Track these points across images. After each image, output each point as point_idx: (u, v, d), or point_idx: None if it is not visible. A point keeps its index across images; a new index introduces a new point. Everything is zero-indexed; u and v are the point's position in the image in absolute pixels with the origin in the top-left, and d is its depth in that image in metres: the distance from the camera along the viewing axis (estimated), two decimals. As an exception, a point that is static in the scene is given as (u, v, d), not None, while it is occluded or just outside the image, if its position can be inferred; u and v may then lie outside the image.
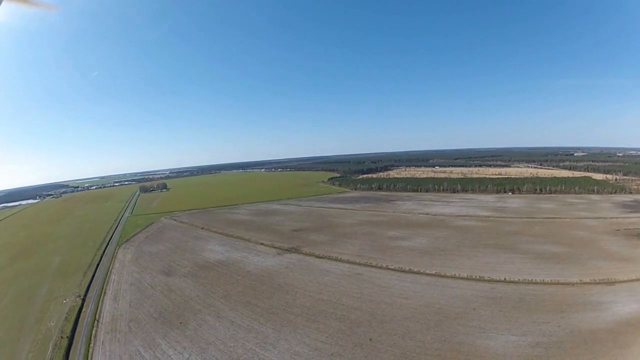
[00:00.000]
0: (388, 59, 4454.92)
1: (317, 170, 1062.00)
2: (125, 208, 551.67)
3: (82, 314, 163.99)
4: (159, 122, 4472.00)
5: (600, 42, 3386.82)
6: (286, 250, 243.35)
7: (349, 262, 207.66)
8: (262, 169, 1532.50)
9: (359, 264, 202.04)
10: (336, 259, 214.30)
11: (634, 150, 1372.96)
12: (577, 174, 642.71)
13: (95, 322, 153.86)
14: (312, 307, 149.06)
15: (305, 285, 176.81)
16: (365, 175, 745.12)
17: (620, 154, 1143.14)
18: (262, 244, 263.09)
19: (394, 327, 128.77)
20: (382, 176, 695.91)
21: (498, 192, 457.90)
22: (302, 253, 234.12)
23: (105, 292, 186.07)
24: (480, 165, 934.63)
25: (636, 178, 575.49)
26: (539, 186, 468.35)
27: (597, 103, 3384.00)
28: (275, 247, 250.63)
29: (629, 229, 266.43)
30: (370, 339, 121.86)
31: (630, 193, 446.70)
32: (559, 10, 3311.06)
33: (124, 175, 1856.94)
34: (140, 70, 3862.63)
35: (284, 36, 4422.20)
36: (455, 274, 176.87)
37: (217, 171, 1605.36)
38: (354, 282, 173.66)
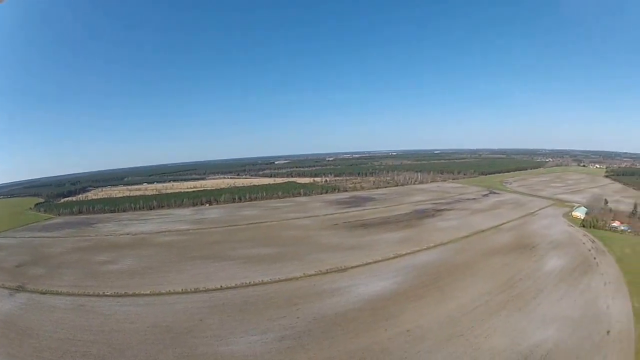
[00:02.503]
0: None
1: (23, 196, 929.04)
2: None
3: None
4: None
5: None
6: (15, 289, 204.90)
7: (69, 294, 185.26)
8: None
9: (79, 295, 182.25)
10: (58, 293, 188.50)
11: (347, 154, 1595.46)
12: (280, 180, 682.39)
13: None
14: (57, 348, 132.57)
15: (41, 325, 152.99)
16: (66, 199, 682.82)
17: (330, 159, 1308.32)
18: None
19: (135, 354, 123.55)
20: (81, 198, 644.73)
21: (195, 204, 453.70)
22: (28, 291, 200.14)
23: None
24: (174, 180, 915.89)
25: (351, 178, 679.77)
26: (237, 195, 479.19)
27: (299, 114, 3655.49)
28: (6, 288, 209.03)
29: (349, 222, 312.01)
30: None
31: (346, 191, 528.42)
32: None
33: None
34: None
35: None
36: (170, 290, 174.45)
37: None
38: (81, 314, 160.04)
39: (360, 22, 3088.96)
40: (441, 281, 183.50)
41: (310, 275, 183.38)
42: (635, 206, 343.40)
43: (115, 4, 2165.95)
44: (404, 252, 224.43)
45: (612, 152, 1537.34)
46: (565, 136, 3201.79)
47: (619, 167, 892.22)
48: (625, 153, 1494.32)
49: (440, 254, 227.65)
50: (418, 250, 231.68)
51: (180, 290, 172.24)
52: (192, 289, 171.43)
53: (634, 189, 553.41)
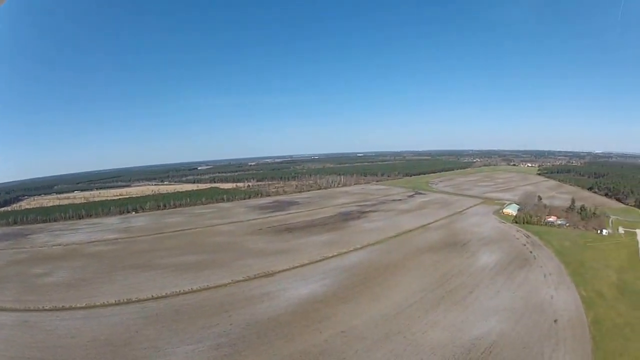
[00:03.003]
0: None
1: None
2: None
3: None
4: None
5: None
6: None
7: (13, 309, 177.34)
8: None
9: (23, 311, 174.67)
10: (3, 309, 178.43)
11: (269, 159, 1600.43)
12: (203, 186, 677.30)
13: None
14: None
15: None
16: (2, 209, 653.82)
17: (252, 163, 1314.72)
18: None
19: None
20: (15, 208, 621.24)
21: (121, 212, 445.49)
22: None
23: None
24: (101, 188, 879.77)
25: (273, 182, 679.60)
26: (162, 202, 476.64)
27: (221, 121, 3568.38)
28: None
29: (274, 226, 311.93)
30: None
31: (269, 196, 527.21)
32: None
33: None
34: None
35: None
36: (104, 302, 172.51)
37: None
38: (26, 331, 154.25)
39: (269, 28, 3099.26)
40: (371, 281, 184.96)
41: (238, 282, 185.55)
42: (573, 201, 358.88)
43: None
44: (330, 255, 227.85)
45: (546, 151, 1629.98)
46: (493, 136, 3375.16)
47: (553, 165, 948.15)
48: (560, 152, 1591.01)
49: (368, 255, 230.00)
50: (345, 252, 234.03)
51: (114, 301, 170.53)
52: (126, 300, 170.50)
53: (570, 185, 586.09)
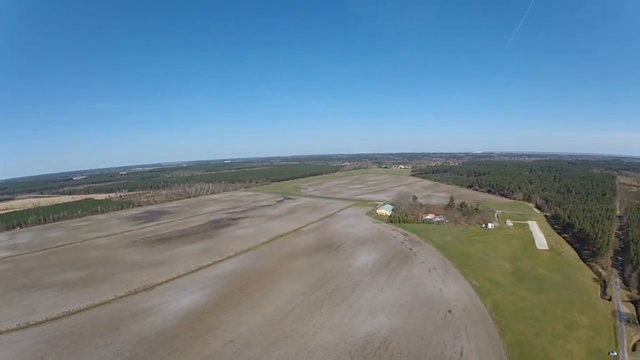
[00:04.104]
0: None
1: None
2: None
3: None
4: None
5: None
6: None
7: None
8: None
9: None
10: None
11: (140, 167, 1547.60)
12: (78, 197, 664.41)
13: None
14: None
15: None
16: None
17: (123, 172, 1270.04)
18: None
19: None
20: None
21: (8, 228, 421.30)
22: None
23: None
24: None
25: (144, 192, 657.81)
26: (42, 216, 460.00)
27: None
28: None
29: (147, 237, 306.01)
30: None
31: (140, 206, 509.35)
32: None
33: None
34: None
35: None
36: (7, 327, 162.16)
37: None
38: None
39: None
40: (250, 288, 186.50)
41: (122, 297, 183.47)
42: (452, 199, 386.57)
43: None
44: (206, 264, 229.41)
45: (419, 153, 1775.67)
46: (364, 141, 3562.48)
47: (428, 166, 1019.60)
48: (435, 153, 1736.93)
49: (243, 262, 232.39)
50: (220, 260, 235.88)
51: (15, 326, 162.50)
52: (24, 324, 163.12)
53: (447, 184, 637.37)
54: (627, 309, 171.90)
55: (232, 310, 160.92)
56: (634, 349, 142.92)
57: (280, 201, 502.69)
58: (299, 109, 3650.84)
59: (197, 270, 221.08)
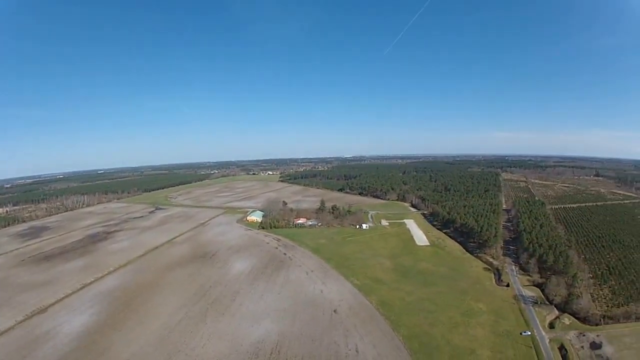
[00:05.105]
0: None
1: None
2: None
3: None
4: None
5: None
6: None
7: None
8: None
9: None
10: None
11: (21, 180, 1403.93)
12: None
13: None
14: None
15: None
16: None
17: (8, 185, 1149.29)
18: None
19: None
20: None
21: None
22: None
23: None
24: None
25: (27, 206, 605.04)
26: None
27: None
28: None
29: (34, 255, 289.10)
30: None
31: (24, 221, 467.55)
32: None
33: None
34: None
35: None
36: None
37: None
38: None
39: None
40: (134, 303, 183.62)
41: (21, 322, 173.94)
42: (323, 202, 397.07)
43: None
44: (89, 281, 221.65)
45: (288, 159, 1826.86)
46: (231, 148, 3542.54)
47: (296, 171, 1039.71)
48: (304, 159, 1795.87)
49: (123, 277, 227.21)
50: (102, 277, 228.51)
51: None
52: None
53: (316, 188, 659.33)
54: (531, 293, 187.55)
55: (122, 328, 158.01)
56: (551, 326, 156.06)
57: (152, 212, 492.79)
58: (169, 117, 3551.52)
59: (82, 288, 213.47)
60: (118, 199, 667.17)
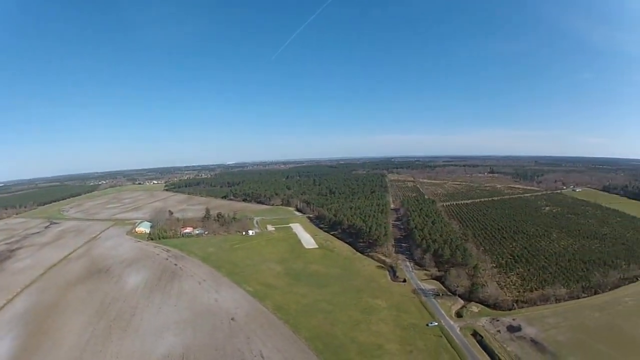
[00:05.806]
0: None
1: None
2: None
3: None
4: None
5: None
6: None
7: None
8: None
9: None
10: None
11: None
12: None
13: None
14: None
15: None
16: None
17: None
18: None
19: None
20: None
21: None
22: None
23: None
24: None
25: None
26: None
27: None
28: None
29: None
30: None
31: None
32: None
33: None
34: None
35: None
36: None
37: None
38: None
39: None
40: (45, 325, 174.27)
41: None
42: (208, 210, 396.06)
43: None
44: (1, 304, 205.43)
45: (171, 167, 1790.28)
46: (118, 157, 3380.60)
47: (180, 179, 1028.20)
48: (187, 167, 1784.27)
49: (31, 297, 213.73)
50: (12, 298, 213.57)
51: None
52: None
53: (200, 196, 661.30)
54: (431, 286, 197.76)
55: (39, 353, 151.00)
56: (459, 315, 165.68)
57: (48, 227, 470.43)
58: (54, 125, 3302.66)
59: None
60: (17, 214, 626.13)
